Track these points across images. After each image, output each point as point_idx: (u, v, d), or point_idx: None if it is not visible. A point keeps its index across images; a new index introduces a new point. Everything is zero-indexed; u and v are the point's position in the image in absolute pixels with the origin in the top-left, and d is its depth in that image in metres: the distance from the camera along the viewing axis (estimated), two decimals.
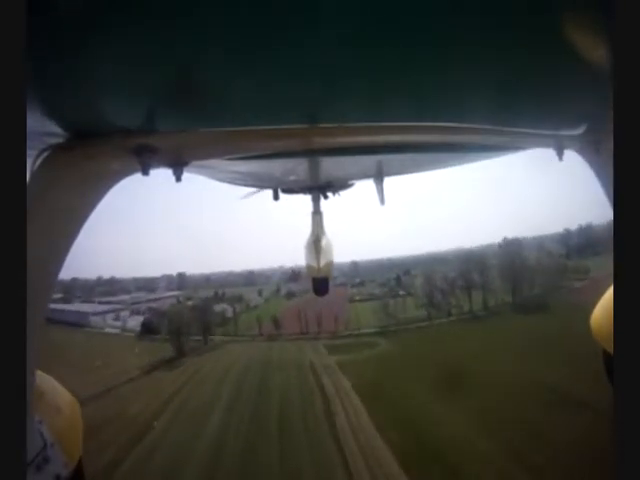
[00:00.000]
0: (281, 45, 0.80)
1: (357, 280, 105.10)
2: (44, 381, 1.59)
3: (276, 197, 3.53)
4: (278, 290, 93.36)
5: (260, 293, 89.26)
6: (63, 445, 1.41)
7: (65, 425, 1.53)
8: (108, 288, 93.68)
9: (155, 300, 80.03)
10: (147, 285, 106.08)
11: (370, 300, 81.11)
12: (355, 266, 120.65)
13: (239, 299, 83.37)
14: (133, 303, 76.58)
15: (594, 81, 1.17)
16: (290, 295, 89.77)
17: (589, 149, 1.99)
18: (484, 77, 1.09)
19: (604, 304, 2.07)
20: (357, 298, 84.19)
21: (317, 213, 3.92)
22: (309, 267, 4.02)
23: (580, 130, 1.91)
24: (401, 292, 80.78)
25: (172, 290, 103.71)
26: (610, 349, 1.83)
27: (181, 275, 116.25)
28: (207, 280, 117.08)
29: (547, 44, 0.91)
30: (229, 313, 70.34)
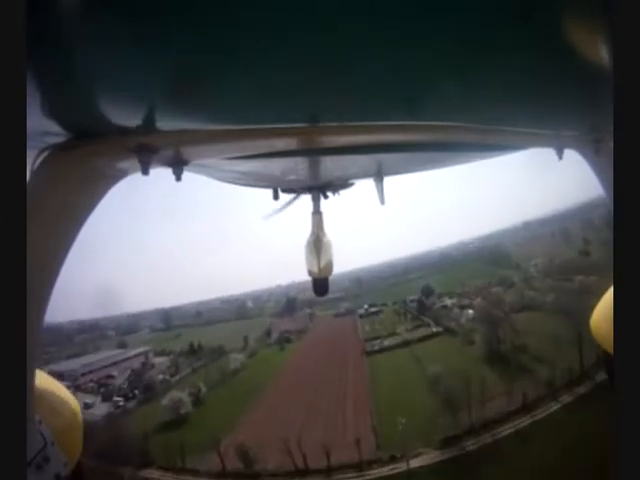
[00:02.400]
0: (282, 44, 0.83)
1: (365, 306, 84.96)
2: (44, 380, 1.59)
3: (276, 197, 3.54)
4: (269, 333, 76.88)
5: (246, 342, 72.84)
6: (63, 444, 1.43)
7: (65, 424, 1.55)
8: (87, 336, 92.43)
9: (115, 364, 66.97)
10: (131, 327, 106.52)
11: (397, 348, 51.83)
12: (358, 282, 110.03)
13: (218, 352, 67.02)
14: (84, 374, 62.08)
15: (594, 81, 1.18)
16: (283, 341, 72.37)
17: (589, 149, 1.99)
18: (484, 77, 1.10)
19: (604, 305, 2.07)
20: (376, 347, 54.58)
21: (317, 213, 3.95)
22: (309, 268, 4.02)
23: (580, 130, 1.91)
24: (435, 328, 53.07)
25: (157, 330, 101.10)
26: (610, 350, 1.84)
27: (167, 313, 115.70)
28: (197, 314, 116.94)
29: (547, 43, 0.93)
30: (186, 407, 45.47)
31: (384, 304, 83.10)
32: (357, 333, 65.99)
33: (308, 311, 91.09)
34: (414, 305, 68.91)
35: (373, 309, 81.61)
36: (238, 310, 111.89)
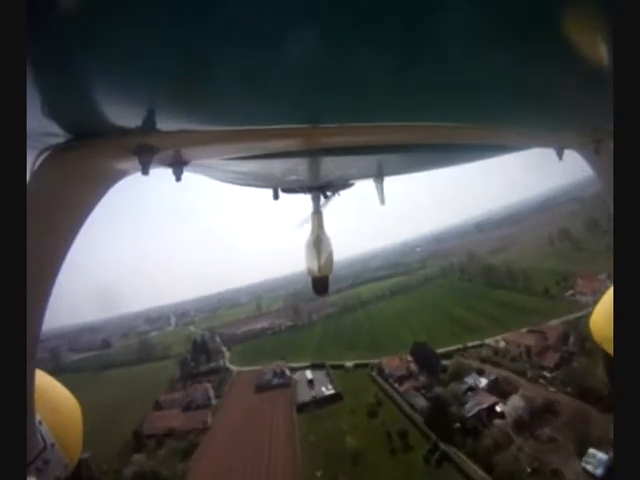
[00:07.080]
0: (281, 44, 0.86)
1: (308, 375, 48.97)
2: (44, 381, 1.58)
3: (276, 197, 3.58)
4: (138, 437, 48.36)
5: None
6: (63, 446, 1.41)
7: (65, 426, 1.53)
8: None
9: None
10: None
11: None
12: (293, 301, 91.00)
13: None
14: None
15: (594, 81, 1.18)
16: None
17: (589, 149, 2.00)
18: (484, 77, 1.10)
19: (604, 305, 2.07)
20: None
21: (317, 213, 4.00)
22: (309, 267, 4.06)
23: (580, 130, 1.91)
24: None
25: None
26: (610, 350, 1.84)
27: (76, 337, 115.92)
28: (104, 343, 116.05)
29: (547, 43, 0.93)
30: None
31: (340, 366, 47.45)
32: None
33: (220, 363, 73.94)
34: (408, 394, 32.69)
35: (325, 389, 45.34)
36: (141, 346, 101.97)
